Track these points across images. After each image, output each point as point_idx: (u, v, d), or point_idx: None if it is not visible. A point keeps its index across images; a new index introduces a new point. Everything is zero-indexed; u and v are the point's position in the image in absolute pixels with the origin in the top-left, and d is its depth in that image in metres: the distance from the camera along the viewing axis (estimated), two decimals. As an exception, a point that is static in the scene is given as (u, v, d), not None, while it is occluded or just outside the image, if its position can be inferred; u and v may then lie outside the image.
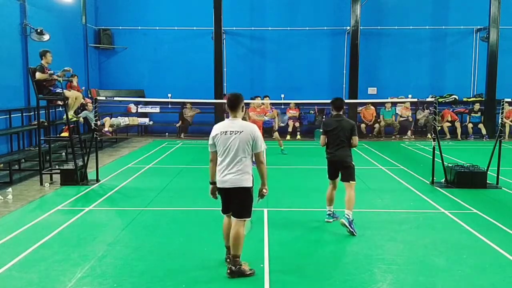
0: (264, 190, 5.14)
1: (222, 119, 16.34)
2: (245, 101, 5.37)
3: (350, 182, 6.66)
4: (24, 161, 11.30)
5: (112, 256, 5.65)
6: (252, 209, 5.12)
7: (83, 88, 12.80)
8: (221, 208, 5.25)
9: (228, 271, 5.01)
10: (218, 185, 5.06)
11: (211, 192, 5.25)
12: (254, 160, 5.12)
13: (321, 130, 6.96)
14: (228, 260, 5.17)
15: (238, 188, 4.95)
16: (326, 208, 7.03)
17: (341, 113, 6.91)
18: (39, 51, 10.09)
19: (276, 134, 13.89)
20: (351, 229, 6.32)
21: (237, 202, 5.01)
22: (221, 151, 4.98)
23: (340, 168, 6.77)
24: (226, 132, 4.95)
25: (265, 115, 12.74)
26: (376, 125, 18.04)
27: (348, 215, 6.40)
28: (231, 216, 5.09)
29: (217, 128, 5.06)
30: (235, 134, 4.92)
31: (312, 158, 13.55)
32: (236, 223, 4.99)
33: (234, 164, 4.92)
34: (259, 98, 13.37)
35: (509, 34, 18.41)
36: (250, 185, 5.02)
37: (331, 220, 6.95)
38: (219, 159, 5.02)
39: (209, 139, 5.10)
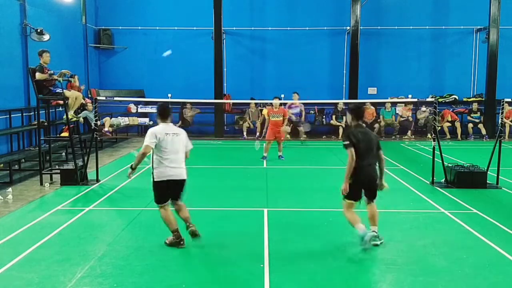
0: None
1: (222, 119, 16.28)
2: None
3: (374, 200, 6.07)
4: (24, 161, 11.30)
5: (112, 256, 5.65)
6: None
7: (83, 85, 12.73)
8: (159, 200, 5.96)
9: (192, 233, 5.91)
10: (164, 178, 5.84)
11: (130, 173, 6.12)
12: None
13: (347, 142, 5.85)
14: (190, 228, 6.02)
15: (183, 180, 6.02)
16: (365, 229, 5.86)
17: (361, 122, 6.11)
18: (38, 51, 10.10)
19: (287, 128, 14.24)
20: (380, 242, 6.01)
21: (179, 189, 6.05)
22: (168, 149, 5.86)
23: (368, 187, 5.98)
24: (169, 133, 5.93)
25: (285, 115, 12.66)
26: (376, 125, 18.03)
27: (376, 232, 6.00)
28: (177, 201, 6.07)
29: (160, 131, 5.90)
30: (177, 135, 5.99)
31: (313, 158, 13.56)
32: (183, 204, 6.13)
33: (180, 160, 5.97)
34: (296, 95, 14.26)
35: (509, 34, 18.41)
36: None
37: (377, 242, 5.97)
38: (166, 156, 5.84)
39: (151, 137, 5.84)
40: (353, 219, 5.89)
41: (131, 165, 6.06)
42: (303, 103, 17.91)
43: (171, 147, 5.88)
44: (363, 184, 5.92)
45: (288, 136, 16.20)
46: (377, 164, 6.04)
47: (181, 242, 5.91)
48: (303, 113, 16.14)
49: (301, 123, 15.57)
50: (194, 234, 5.90)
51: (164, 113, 6.09)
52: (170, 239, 5.99)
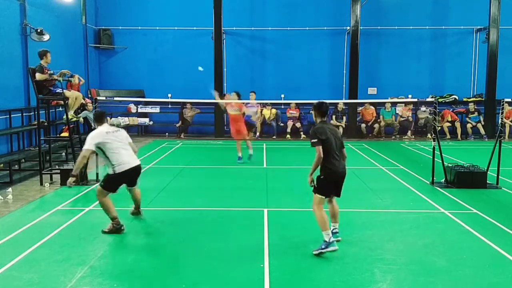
0: None
1: (222, 119, 16.25)
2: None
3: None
4: (24, 161, 11.30)
5: (112, 256, 5.65)
6: None
7: (83, 80, 12.59)
8: (113, 188, 6.59)
9: (137, 211, 7.10)
10: (125, 168, 6.45)
11: (73, 181, 6.54)
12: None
13: (315, 140, 5.81)
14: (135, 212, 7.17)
15: (139, 166, 6.73)
16: (331, 227, 6.01)
17: (325, 119, 6.07)
18: (38, 51, 10.09)
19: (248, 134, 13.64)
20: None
21: (137, 175, 6.79)
22: (116, 144, 6.48)
23: (338, 183, 5.98)
24: (110, 132, 6.58)
25: (241, 109, 12.37)
26: (376, 125, 18.05)
27: (338, 229, 6.18)
28: (132, 187, 6.89)
29: (101, 133, 6.51)
30: (118, 131, 6.70)
31: (313, 158, 13.55)
32: (134, 189, 6.94)
33: (131, 150, 6.71)
34: (254, 94, 14.21)
35: (509, 34, 18.41)
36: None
37: (340, 238, 6.14)
38: (117, 150, 6.44)
39: (92, 143, 6.41)
40: (323, 221, 5.72)
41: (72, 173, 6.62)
42: (303, 103, 17.98)
43: (117, 142, 6.56)
44: (336, 180, 5.90)
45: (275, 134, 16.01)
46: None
47: (122, 228, 6.47)
48: (258, 114, 15.12)
49: (254, 128, 14.68)
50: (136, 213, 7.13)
51: (99, 117, 6.86)
52: (109, 227, 6.45)
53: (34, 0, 13.74)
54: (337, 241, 5.96)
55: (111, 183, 6.56)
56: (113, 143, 6.48)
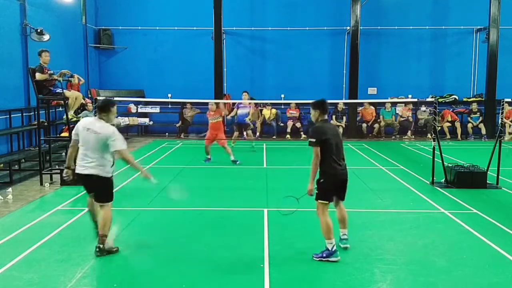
0: (144, 175, 6.11)
1: (222, 119, 16.23)
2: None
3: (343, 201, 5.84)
4: (24, 161, 11.30)
5: (112, 256, 5.64)
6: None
7: (83, 80, 12.56)
8: (84, 188, 6.08)
9: (97, 249, 5.58)
10: (77, 170, 5.77)
11: (66, 174, 6.14)
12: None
13: (313, 140, 5.43)
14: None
15: (93, 176, 5.68)
16: (340, 233, 5.93)
17: (326, 117, 5.75)
18: (38, 50, 10.11)
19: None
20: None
21: (95, 188, 5.86)
22: (81, 143, 5.79)
23: (341, 186, 5.69)
24: (88, 129, 5.76)
25: (221, 115, 12.36)
26: (376, 125, 18.05)
27: (347, 235, 5.94)
28: (97, 202, 5.91)
29: (79, 125, 5.91)
30: (94, 133, 5.69)
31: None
32: (100, 207, 5.87)
33: (91, 156, 5.68)
34: (246, 94, 13.74)
35: (509, 34, 18.41)
36: (105, 175, 5.79)
37: (348, 245, 5.90)
38: (80, 149, 5.81)
39: (74, 132, 5.92)
40: (327, 229, 5.43)
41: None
42: (303, 103, 17.97)
43: (82, 141, 5.80)
44: (337, 183, 5.60)
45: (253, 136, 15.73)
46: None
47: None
48: (250, 115, 14.46)
49: (249, 127, 14.36)
50: (98, 251, 5.61)
51: (100, 106, 6.02)
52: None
53: (34, 0, 13.75)
54: (345, 248, 5.78)
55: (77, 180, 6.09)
56: (81, 140, 5.81)
